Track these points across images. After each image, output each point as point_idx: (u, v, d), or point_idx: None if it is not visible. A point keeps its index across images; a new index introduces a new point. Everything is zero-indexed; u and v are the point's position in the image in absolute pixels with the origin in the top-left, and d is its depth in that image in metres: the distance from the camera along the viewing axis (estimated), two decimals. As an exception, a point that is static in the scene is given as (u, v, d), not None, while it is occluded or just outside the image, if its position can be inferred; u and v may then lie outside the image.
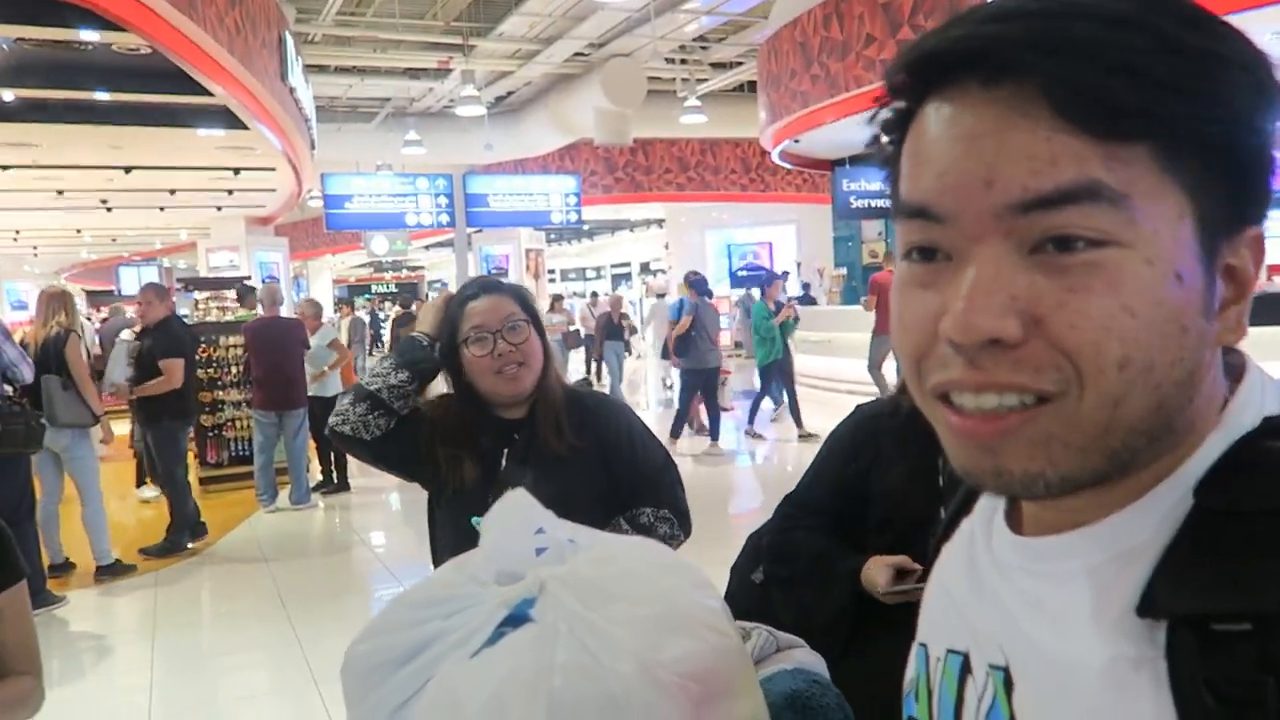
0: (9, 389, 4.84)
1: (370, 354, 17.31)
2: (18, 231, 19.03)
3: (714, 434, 8.80)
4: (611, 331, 12.99)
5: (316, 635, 4.40)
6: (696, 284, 8.99)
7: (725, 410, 9.63)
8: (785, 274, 9.69)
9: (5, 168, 11.09)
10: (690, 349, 8.58)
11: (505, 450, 1.75)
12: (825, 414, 8.96)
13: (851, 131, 11.49)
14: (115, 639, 4.76)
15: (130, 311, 10.66)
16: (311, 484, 7.44)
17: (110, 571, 5.59)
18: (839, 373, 11.54)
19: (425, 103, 16.77)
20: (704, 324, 8.60)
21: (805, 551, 1.66)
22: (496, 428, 1.77)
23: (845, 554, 1.61)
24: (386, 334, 16.62)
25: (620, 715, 0.64)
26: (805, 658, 0.91)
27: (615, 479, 1.77)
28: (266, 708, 3.99)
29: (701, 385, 8.81)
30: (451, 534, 1.75)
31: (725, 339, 19.81)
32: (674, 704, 0.65)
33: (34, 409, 5.14)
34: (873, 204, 12.73)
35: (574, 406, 1.81)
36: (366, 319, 17.98)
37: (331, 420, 1.79)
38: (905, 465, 1.58)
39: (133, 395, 6.08)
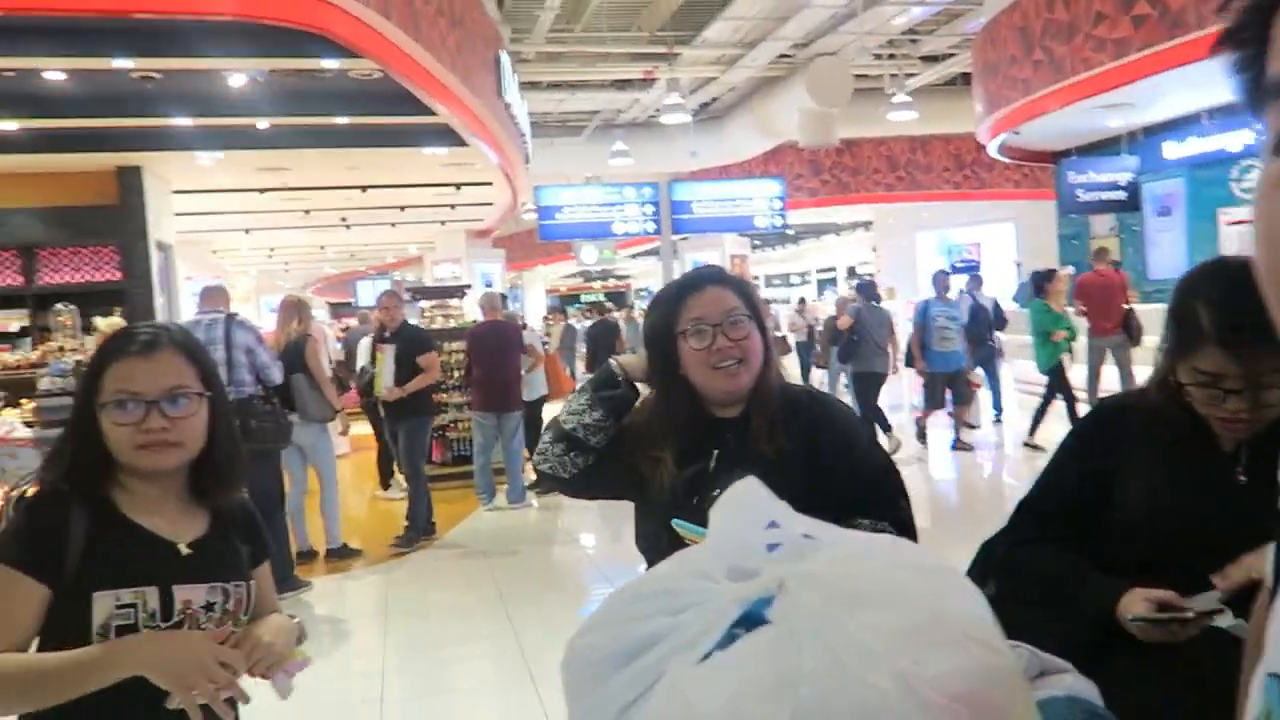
0: (260, 389, 5.31)
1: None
2: (272, 249, 21.09)
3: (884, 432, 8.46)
4: (838, 338, 12.29)
5: (532, 630, 4.53)
6: (864, 288, 9.31)
7: (971, 427, 9.01)
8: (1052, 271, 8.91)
9: (262, 191, 12.30)
10: (854, 352, 8.64)
11: (715, 451, 1.67)
12: (1045, 422, 8.33)
13: (1078, 119, 10.69)
14: (352, 624, 5.11)
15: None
16: (526, 483, 7.71)
17: (338, 554, 6.05)
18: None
19: (631, 114, 17.14)
20: (868, 328, 8.63)
21: (1045, 570, 1.49)
22: (708, 427, 1.69)
23: (1093, 578, 1.43)
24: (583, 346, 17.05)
25: (875, 737, 0.55)
26: (1077, 684, 0.79)
27: (831, 485, 1.61)
28: (486, 699, 4.14)
29: (870, 389, 8.64)
30: (654, 538, 1.68)
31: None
32: (940, 729, 0.55)
33: (282, 407, 5.67)
34: (1103, 197, 11.76)
35: (789, 406, 1.70)
36: (578, 326, 18.56)
37: (535, 458, 1.80)
38: (1165, 468, 1.40)
39: (405, 394, 6.43)
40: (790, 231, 27.75)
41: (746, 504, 0.72)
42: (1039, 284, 8.66)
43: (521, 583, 5.57)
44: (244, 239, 17.45)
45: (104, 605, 1.31)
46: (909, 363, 9.00)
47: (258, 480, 5.21)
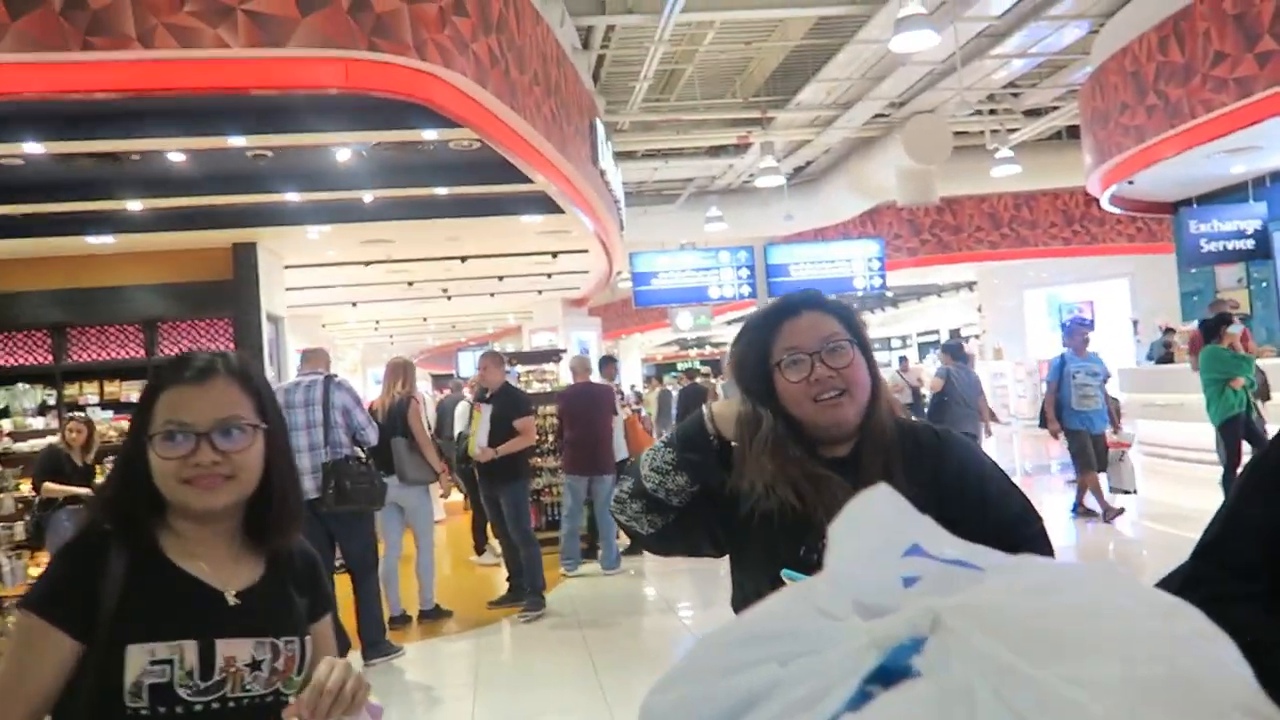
0: (359, 450, 5.32)
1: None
2: (378, 322, 21.74)
3: None
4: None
5: (625, 701, 4.30)
6: (951, 349, 9.38)
7: (1126, 492, 8.29)
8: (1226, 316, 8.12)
9: (367, 263, 12.69)
10: (944, 414, 8.42)
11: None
12: (1171, 486, 7.72)
13: (1198, 165, 10.16)
14: (442, 691, 4.97)
15: (465, 390, 11.65)
16: (621, 549, 7.53)
17: (431, 616, 5.97)
18: (1190, 440, 9.97)
19: (725, 180, 17.18)
20: (958, 389, 8.60)
21: (1250, 638, 1.20)
22: (807, 473, 1.48)
23: None
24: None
25: None
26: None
27: (959, 532, 1.39)
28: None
29: None
30: (754, 597, 1.49)
31: (1025, 406, 18.04)
32: None
33: (380, 469, 5.69)
34: (1229, 246, 11.09)
35: (908, 443, 1.50)
36: (674, 391, 18.48)
37: (612, 505, 1.65)
38: None
39: (497, 455, 6.38)
40: (889, 294, 27.23)
41: (876, 521, 0.54)
42: (1210, 329, 7.94)
43: (614, 652, 5.36)
44: (351, 311, 18.02)
45: (137, 660, 1.18)
46: (1042, 423, 8.46)
47: (352, 541, 5.20)
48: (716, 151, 15.56)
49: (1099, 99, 10.51)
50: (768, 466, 1.49)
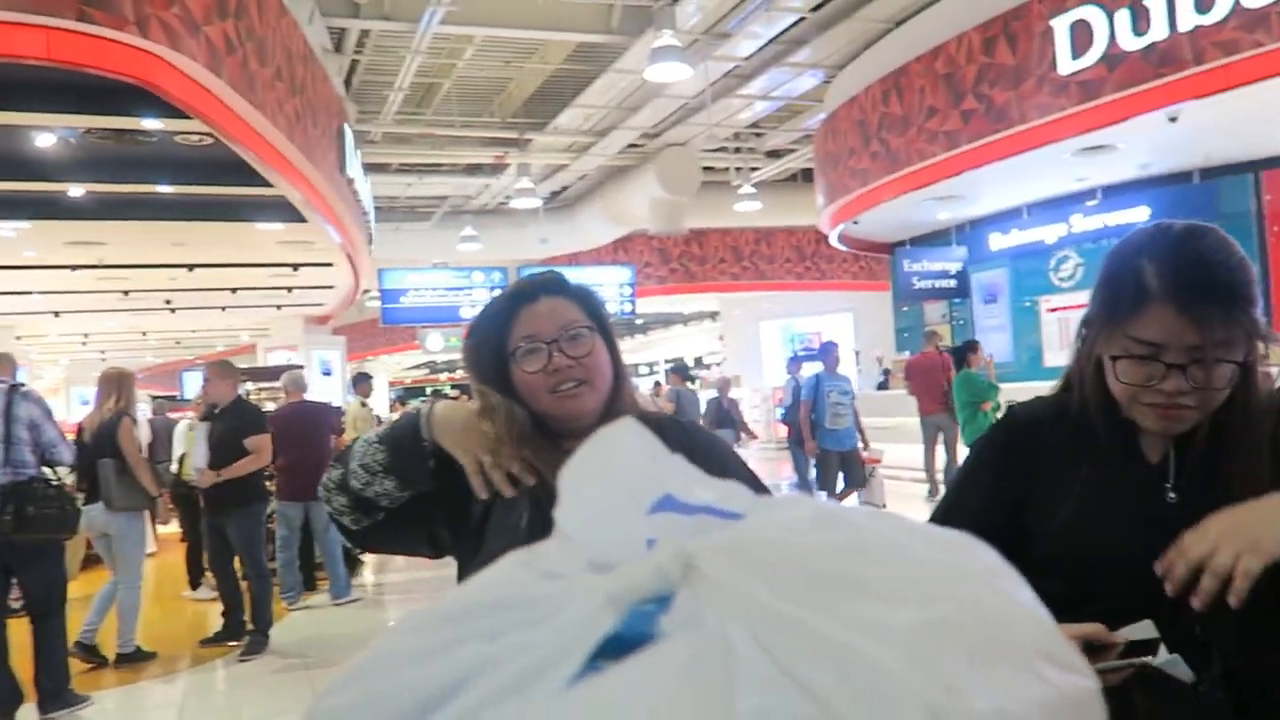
0: (48, 471, 4.64)
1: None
2: (86, 335, 19.51)
3: None
4: (721, 419, 12.20)
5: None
6: (679, 370, 10.12)
7: (877, 507, 8.74)
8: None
9: (74, 268, 11.32)
10: None
11: None
12: (902, 502, 8.40)
13: (913, 210, 11.24)
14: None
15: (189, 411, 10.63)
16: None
17: (129, 660, 5.33)
18: (906, 459, 10.96)
19: (481, 200, 16.99)
20: (684, 409, 9.17)
21: None
22: (555, 463, 1.38)
23: None
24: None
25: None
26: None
27: None
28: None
29: None
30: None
31: (760, 430, 19.17)
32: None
33: (88, 494, 5.07)
34: (936, 285, 12.34)
35: (650, 430, 1.43)
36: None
37: (320, 493, 1.47)
38: (1085, 489, 1.19)
39: (219, 479, 5.72)
40: (639, 321, 28.07)
41: (618, 466, 0.44)
42: (962, 355, 8.51)
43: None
44: (53, 322, 16.03)
45: None
46: (798, 442, 8.59)
47: (34, 576, 4.51)
48: (473, 170, 15.36)
49: (830, 143, 11.39)
50: (521, 457, 1.36)
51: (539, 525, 1.33)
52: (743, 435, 10.64)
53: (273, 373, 10.21)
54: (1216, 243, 1.13)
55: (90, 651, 5.35)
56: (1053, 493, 1.21)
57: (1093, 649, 1.03)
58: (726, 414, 12.07)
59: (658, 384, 13.58)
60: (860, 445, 8.49)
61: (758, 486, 1.45)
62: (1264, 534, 0.97)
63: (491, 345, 1.40)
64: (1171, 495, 1.16)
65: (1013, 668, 0.31)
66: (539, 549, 0.46)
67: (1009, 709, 0.30)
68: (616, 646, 0.35)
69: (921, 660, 0.30)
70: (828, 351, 8.54)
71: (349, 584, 6.96)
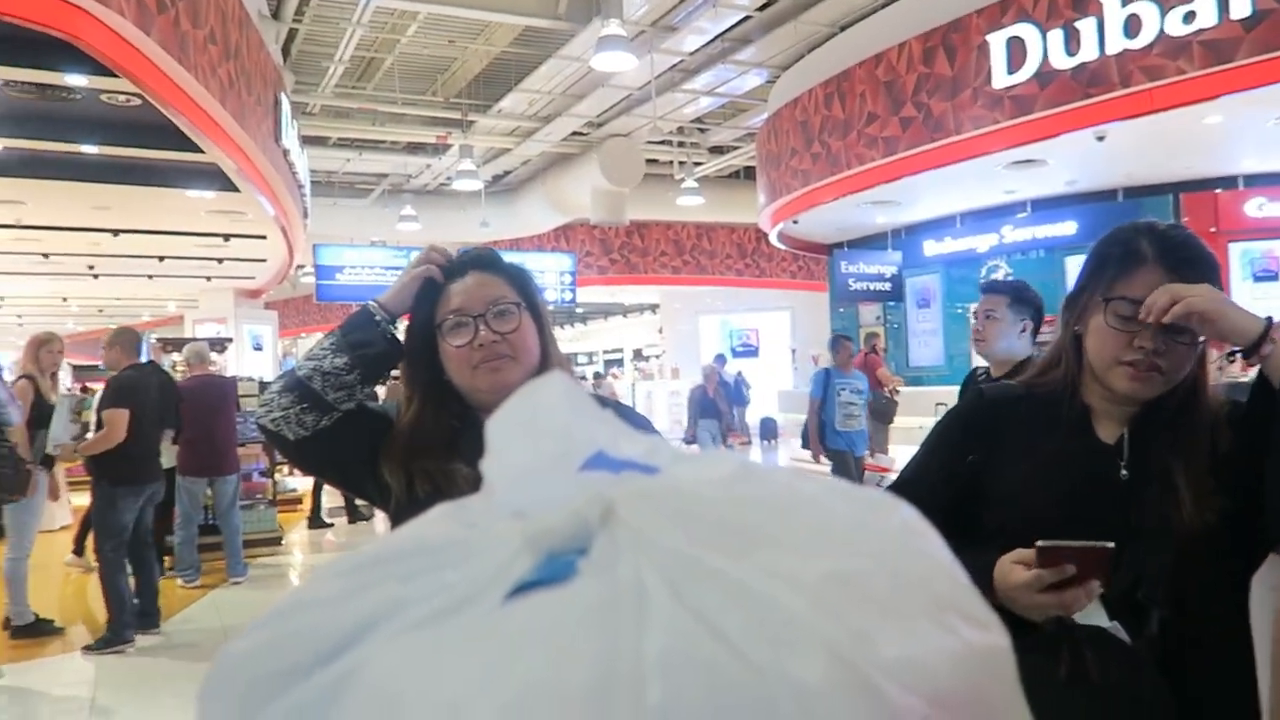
0: None
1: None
2: (2, 298, 18.73)
3: None
4: (706, 408, 12.26)
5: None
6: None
7: None
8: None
9: (-11, 227, 10.84)
10: None
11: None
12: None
13: (851, 213, 11.40)
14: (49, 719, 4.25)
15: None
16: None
17: (29, 632, 5.15)
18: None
19: (422, 179, 16.74)
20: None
21: None
22: (480, 439, 1.37)
23: (968, 551, 1.20)
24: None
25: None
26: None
27: None
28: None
29: None
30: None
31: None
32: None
33: None
34: (871, 287, 12.54)
35: None
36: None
37: (258, 409, 1.44)
38: (1042, 460, 1.28)
39: (76, 455, 5.41)
40: (579, 310, 27.99)
41: (547, 420, 0.44)
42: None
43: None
44: (-34, 283, 15.38)
45: None
46: (805, 444, 7.62)
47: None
48: (414, 149, 15.13)
49: (773, 143, 11.49)
50: (440, 439, 1.38)
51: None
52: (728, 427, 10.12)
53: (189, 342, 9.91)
54: (1196, 237, 1.30)
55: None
56: (1012, 460, 1.30)
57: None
58: (712, 404, 12.12)
59: (597, 375, 13.56)
60: (868, 452, 7.72)
61: None
62: (1228, 308, 1.14)
63: (421, 319, 1.42)
64: (1124, 472, 1.25)
65: (923, 620, 0.32)
66: (465, 502, 0.46)
67: (916, 657, 0.30)
68: (540, 585, 0.35)
69: (830, 608, 0.30)
70: (837, 347, 7.43)
71: (246, 566, 6.85)
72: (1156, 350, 1.20)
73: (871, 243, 13.06)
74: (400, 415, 1.44)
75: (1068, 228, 10.70)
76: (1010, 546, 1.18)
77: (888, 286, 12.56)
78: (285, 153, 9.65)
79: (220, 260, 13.33)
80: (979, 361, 3.83)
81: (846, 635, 0.29)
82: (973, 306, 3.42)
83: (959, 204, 11.30)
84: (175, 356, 8.85)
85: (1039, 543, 1.10)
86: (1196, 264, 1.23)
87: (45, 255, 12.75)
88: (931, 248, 12.28)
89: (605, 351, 32.84)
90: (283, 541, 8.14)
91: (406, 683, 0.28)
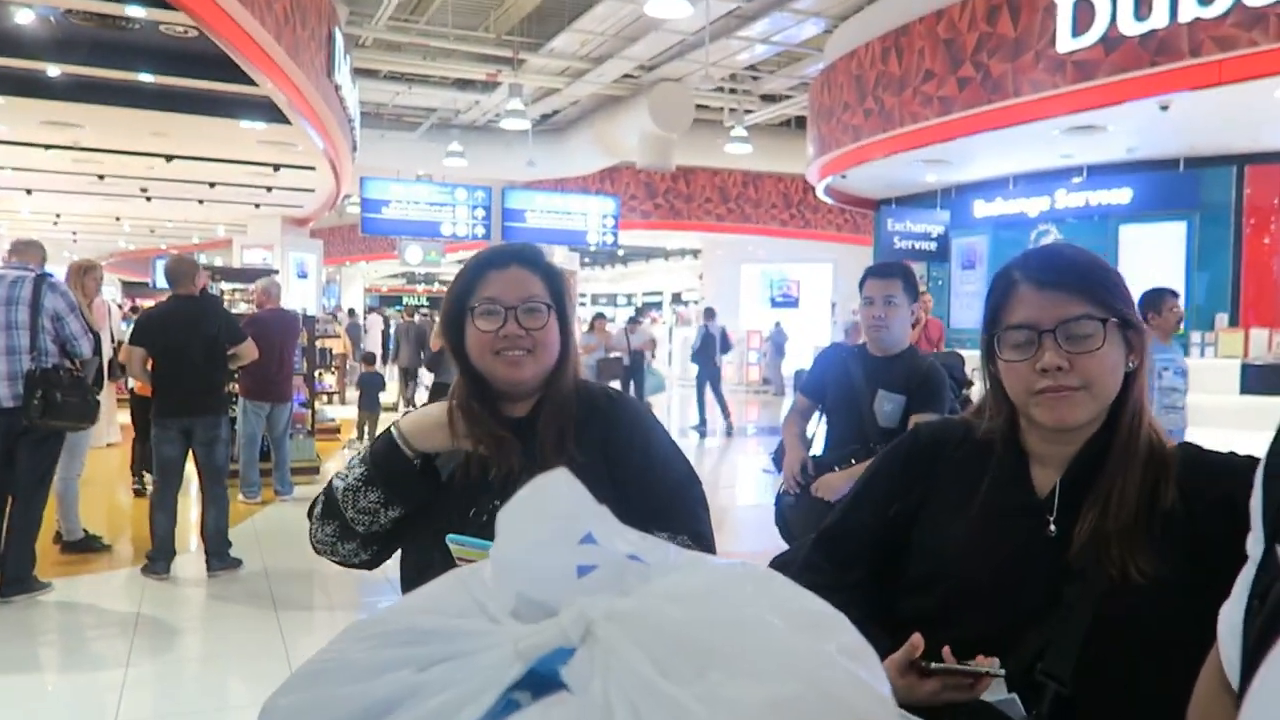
0: (68, 363, 4.70)
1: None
2: (58, 215, 19.15)
3: None
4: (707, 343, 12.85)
5: (305, 632, 4.11)
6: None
7: None
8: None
9: (48, 147, 11.07)
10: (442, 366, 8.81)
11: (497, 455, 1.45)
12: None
13: (901, 170, 11.24)
14: (98, 630, 4.50)
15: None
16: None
17: (78, 548, 5.44)
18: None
19: (470, 115, 16.72)
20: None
21: None
22: (488, 434, 1.46)
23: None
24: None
25: None
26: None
27: (625, 496, 1.42)
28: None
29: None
30: (419, 555, 1.45)
31: (754, 374, 19.50)
32: None
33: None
34: (916, 245, 12.40)
35: (584, 408, 1.51)
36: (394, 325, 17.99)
37: (318, 549, 1.52)
38: (971, 511, 1.22)
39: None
40: (620, 252, 27.97)
41: (552, 506, 0.51)
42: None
43: (298, 590, 5.12)
44: (24, 200, 15.73)
45: None
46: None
47: (38, 459, 4.60)
48: (463, 85, 15.09)
49: (826, 95, 11.31)
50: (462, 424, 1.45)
51: (465, 492, 1.43)
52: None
53: (246, 275, 10.13)
54: (1072, 247, 1.26)
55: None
56: (943, 511, 1.25)
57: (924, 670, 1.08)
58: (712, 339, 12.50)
59: (633, 320, 13.62)
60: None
61: (679, 465, 1.54)
62: None
63: (457, 296, 1.49)
64: (1052, 529, 1.19)
65: (844, 740, 0.39)
66: (476, 570, 0.53)
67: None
68: (530, 682, 0.42)
69: (754, 731, 0.37)
70: (1158, 306, 4.88)
71: (292, 484, 7.40)
72: (1060, 367, 1.15)
73: (920, 201, 12.88)
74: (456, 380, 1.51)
75: (1123, 195, 10.47)
76: (934, 608, 1.18)
77: (933, 246, 12.42)
78: (337, 88, 9.71)
79: (269, 189, 13.51)
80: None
81: (773, 760, 0.36)
82: (863, 293, 3.19)
83: (1012, 166, 11.08)
84: (223, 285, 9.06)
85: (933, 665, 1.07)
86: (1066, 272, 1.19)
87: (101, 177, 13.01)
88: (981, 209, 12.09)
89: (644, 294, 32.87)
90: (320, 471, 8.39)
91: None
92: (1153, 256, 10.31)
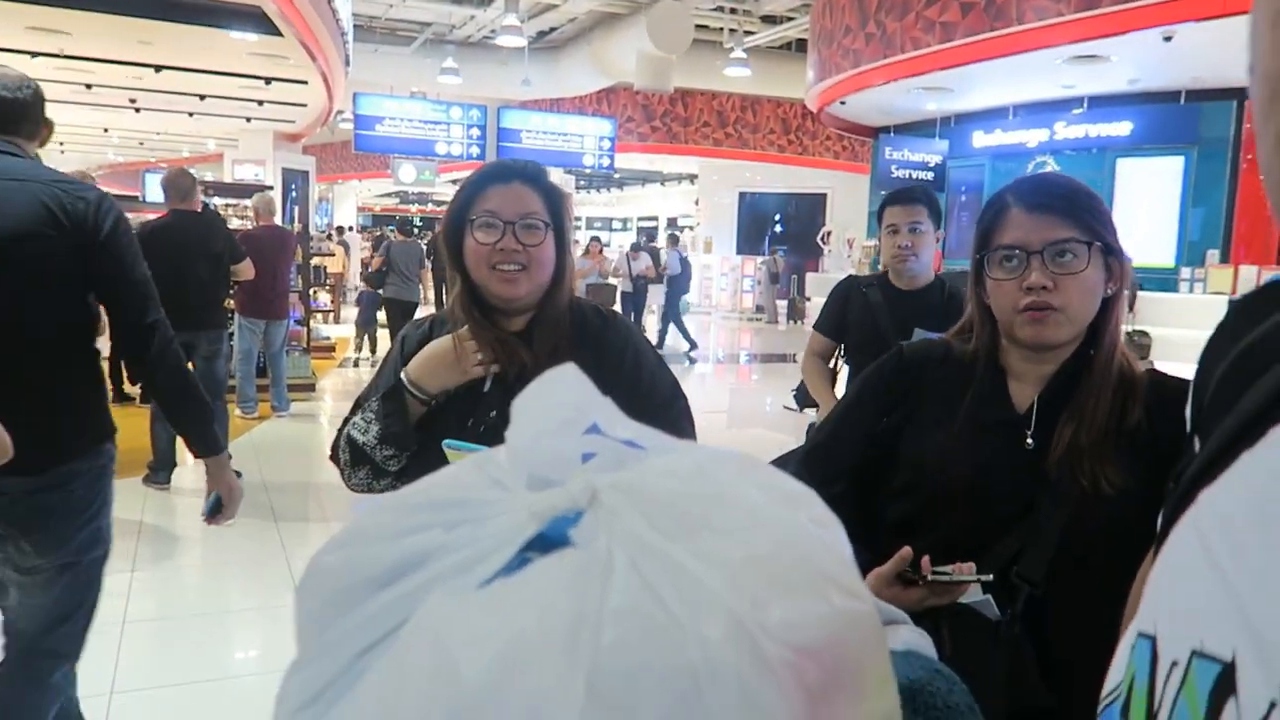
0: None
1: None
2: (44, 125, 18.83)
3: None
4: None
5: (302, 544, 4.23)
6: (402, 226, 10.97)
7: None
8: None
9: (34, 54, 10.84)
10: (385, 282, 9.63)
11: (492, 368, 1.52)
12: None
13: (900, 97, 11.11)
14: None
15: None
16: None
17: None
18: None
19: (465, 31, 16.37)
20: (398, 262, 9.59)
21: None
22: (492, 340, 1.54)
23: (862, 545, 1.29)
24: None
25: (697, 699, 0.43)
26: (913, 638, 0.70)
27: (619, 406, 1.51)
28: (250, 619, 3.85)
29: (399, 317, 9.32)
30: (421, 462, 1.52)
31: (748, 301, 19.55)
32: (779, 690, 0.44)
33: None
34: (914, 175, 12.33)
35: (577, 325, 1.58)
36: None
37: (350, 487, 1.58)
38: (955, 424, 1.30)
39: None
40: (616, 175, 27.69)
41: (560, 398, 0.57)
42: None
43: (296, 502, 5.25)
44: (10, 109, 15.45)
45: None
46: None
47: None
48: (459, -1, 14.76)
49: (828, 19, 11.11)
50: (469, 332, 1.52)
51: (462, 402, 1.51)
52: None
53: (241, 190, 10.06)
54: (1062, 176, 1.34)
55: None
56: (926, 424, 1.33)
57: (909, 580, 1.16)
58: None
59: (636, 246, 13.61)
60: None
61: (666, 379, 1.63)
62: None
63: (459, 207, 1.53)
64: (1029, 441, 1.27)
65: (808, 592, 0.45)
66: (492, 454, 0.60)
67: (793, 619, 0.44)
68: (540, 543, 0.49)
69: (738, 582, 0.44)
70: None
71: (289, 401, 7.51)
72: (1045, 286, 1.22)
73: (919, 129, 12.76)
74: (449, 291, 1.59)
75: (1123, 128, 10.40)
76: (914, 514, 1.26)
77: (930, 176, 12.35)
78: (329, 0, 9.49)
79: (260, 102, 13.29)
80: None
81: (746, 603, 0.43)
82: (884, 222, 2.91)
83: (1012, 95, 10.97)
84: (216, 200, 9.00)
85: (929, 575, 1.13)
86: (1056, 198, 1.24)
87: (88, 86, 12.77)
88: (980, 139, 11.99)
89: (640, 219, 32.64)
90: (315, 388, 8.48)
91: (453, 622, 0.42)
92: (1149, 191, 10.29)
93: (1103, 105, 10.42)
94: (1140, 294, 8.12)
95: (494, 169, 1.55)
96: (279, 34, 8.81)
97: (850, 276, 3.34)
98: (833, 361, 3.23)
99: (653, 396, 1.57)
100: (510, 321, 1.55)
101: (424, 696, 0.40)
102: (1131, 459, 1.20)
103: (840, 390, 2.98)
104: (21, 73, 2.18)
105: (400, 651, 0.44)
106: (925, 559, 1.15)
